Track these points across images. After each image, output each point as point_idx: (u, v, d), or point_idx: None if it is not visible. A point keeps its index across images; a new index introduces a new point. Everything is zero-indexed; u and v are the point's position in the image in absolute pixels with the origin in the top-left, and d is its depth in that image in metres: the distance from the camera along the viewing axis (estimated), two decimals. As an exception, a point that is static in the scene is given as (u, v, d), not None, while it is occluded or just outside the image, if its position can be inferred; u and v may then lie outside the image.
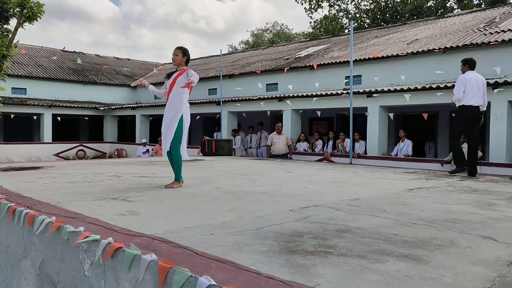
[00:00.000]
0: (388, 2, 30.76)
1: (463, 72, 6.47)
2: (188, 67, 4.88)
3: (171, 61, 4.94)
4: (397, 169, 7.77)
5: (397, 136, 11.26)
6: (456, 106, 6.44)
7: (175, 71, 4.90)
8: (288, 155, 11.28)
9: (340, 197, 4.25)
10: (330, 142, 11.84)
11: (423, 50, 12.25)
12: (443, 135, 12.46)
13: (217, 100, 14.65)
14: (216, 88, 17.95)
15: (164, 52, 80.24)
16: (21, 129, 20.37)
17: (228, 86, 17.09)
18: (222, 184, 5.13)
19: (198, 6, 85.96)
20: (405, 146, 10.28)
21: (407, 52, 12.57)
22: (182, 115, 4.71)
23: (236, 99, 14.44)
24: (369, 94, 10.64)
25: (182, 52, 4.85)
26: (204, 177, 5.99)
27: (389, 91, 10.27)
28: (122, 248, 2.18)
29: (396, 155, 10.46)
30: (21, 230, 3.19)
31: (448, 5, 29.34)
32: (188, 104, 4.89)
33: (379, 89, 10.68)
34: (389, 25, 21.14)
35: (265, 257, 2.13)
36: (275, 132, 11.47)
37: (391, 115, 10.87)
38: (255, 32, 45.57)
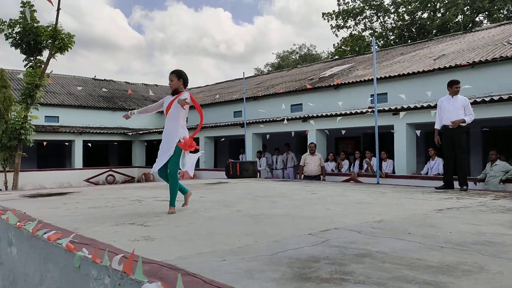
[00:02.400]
0: (415, 19, 30.48)
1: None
2: (187, 89, 4.93)
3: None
4: (426, 189, 7.47)
5: (427, 154, 10.91)
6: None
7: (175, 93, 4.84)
8: (321, 177, 11.05)
9: (363, 218, 4.08)
10: (357, 162, 11.58)
11: (450, 66, 11.95)
12: (476, 152, 12.00)
13: (241, 122, 14.69)
14: (240, 111, 18.03)
15: (188, 76, 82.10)
16: (54, 155, 20.97)
17: (253, 108, 17.15)
18: (243, 207, 5.04)
19: (217, 30, 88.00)
20: (436, 165, 9.92)
21: (434, 68, 12.30)
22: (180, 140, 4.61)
23: (260, 120, 14.43)
24: (395, 111, 10.40)
25: (177, 75, 4.83)
26: (225, 200, 5.92)
27: (415, 108, 10.01)
28: (129, 276, 2.11)
29: (427, 174, 10.11)
30: (38, 258, 3.19)
31: (477, 19, 28.81)
32: (186, 126, 4.83)
33: (405, 106, 10.43)
34: (415, 42, 20.86)
35: (276, 285, 2.02)
36: (308, 153, 11.26)
37: (419, 132, 10.56)
38: (281, 55, 45.99)
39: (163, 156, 4.66)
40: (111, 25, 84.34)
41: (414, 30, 30.57)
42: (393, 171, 10.70)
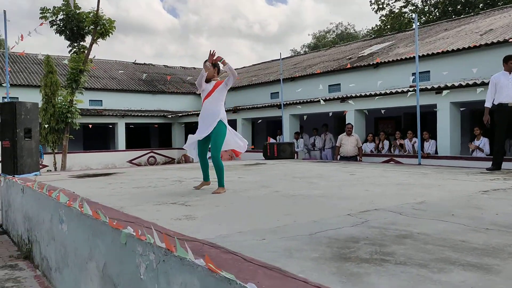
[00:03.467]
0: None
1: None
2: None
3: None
4: (471, 170, 7.21)
5: (472, 134, 10.50)
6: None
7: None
8: (358, 157, 10.92)
9: (404, 200, 4.00)
10: (398, 142, 11.31)
11: (498, 41, 11.33)
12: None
13: (278, 103, 14.64)
14: (277, 92, 17.95)
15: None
16: (98, 138, 21.79)
17: (290, 89, 17.02)
18: (281, 188, 5.07)
19: (250, 11, 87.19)
20: (481, 144, 9.53)
21: (480, 44, 11.70)
22: (223, 122, 4.82)
23: (297, 101, 14.32)
24: (438, 90, 10.02)
25: (213, 64, 4.95)
26: (264, 180, 5.96)
27: (460, 86, 9.60)
28: (173, 253, 2.19)
29: (471, 154, 9.74)
30: (87, 233, 3.36)
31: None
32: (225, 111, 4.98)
33: (449, 84, 10.03)
34: (460, 17, 19.85)
35: (316, 264, 2.04)
36: (344, 133, 11.13)
37: (463, 110, 10.14)
38: (317, 35, 45.13)
39: (202, 131, 4.82)
40: (147, 9, 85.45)
41: (459, 4, 29.06)
42: (436, 152, 10.38)
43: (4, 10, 8.71)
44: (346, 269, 1.96)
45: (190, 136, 5.08)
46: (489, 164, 7.95)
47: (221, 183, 4.86)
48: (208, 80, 5.03)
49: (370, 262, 2.06)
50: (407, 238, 2.55)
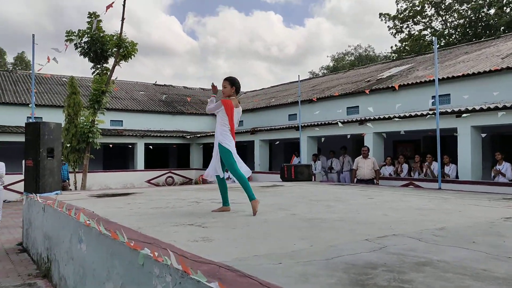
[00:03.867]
0: (480, 16, 28.83)
1: None
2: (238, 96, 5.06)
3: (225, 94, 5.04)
4: (493, 195, 7.05)
5: (493, 159, 10.29)
6: None
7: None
8: (375, 181, 10.80)
9: (424, 225, 3.93)
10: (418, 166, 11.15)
11: (520, 64, 11.19)
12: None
13: (296, 125, 14.67)
14: (295, 114, 18.00)
15: (240, 80, 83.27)
16: (118, 157, 22.11)
17: (308, 111, 17.06)
18: (298, 211, 5.05)
19: (268, 34, 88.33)
20: (503, 170, 9.32)
21: (502, 67, 11.58)
22: (221, 144, 4.90)
23: (315, 123, 14.32)
24: (458, 113, 9.90)
25: (230, 82, 4.95)
26: (280, 203, 5.94)
27: (481, 109, 9.47)
28: (190, 276, 2.20)
29: (493, 179, 9.53)
30: (105, 254, 3.40)
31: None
32: (227, 131, 5.05)
33: (469, 108, 9.91)
34: (481, 40, 19.73)
35: (332, 291, 2.02)
36: (361, 156, 11.06)
37: (484, 135, 9.98)
38: (336, 57, 45.36)
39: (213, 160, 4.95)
40: (167, 32, 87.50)
41: (479, 27, 28.92)
42: (457, 176, 10.19)
43: (32, 34, 9.07)
44: (363, 297, 1.93)
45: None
46: (511, 189, 7.77)
47: (251, 197, 4.74)
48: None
49: (388, 290, 2.03)
50: (427, 265, 2.50)
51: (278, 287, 2.03)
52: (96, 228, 3.67)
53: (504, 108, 9.03)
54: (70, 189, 13.98)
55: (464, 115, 9.81)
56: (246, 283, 2.10)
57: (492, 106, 9.48)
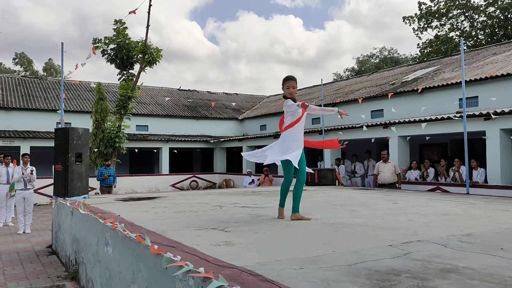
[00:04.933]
0: (509, 15, 28.04)
1: None
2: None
3: (290, 94, 4.74)
4: (524, 200, 6.83)
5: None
6: None
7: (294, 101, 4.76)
8: (396, 185, 10.63)
9: (450, 231, 3.85)
10: (444, 170, 10.91)
11: (552, 65, 10.82)
12: None
13: (320, 129, 14.59)
14: (319, 117, 17.90)
15: (261, 84, 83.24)
16: (144, 162, 22.49)
17: (332, 115, 16.92)
18: (321, 215, 5.02)
19: (288, 37, 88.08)
20: (535, 174, 9.02)
21: (532, 68, 11.22)
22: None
23: (339, 127, 14.21)
24: (487, 116, 9.65)
25: (296, 82, 4.83)
26: (304, 207, 5.90)
27: (510, 112, 9.21)
28: (211, 279, 2.23)
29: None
30: (130, 257, 3.47)
31: None
32: None
33: (498, 110, 9.64)
34: (510, 40, 19.18)
35: (354, 297, 2.01)
36: (381, 161, 10.95)
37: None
38: (360, 59, 44.94)
39: (283, 154, 4.64)
40: (188, 37, 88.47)
41: (509, 27, 28.12)
42: (485, 181, 9.91)
43: (61, 42, 9.37)
44: (385, 303, 1.91)
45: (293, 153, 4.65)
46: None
47: (297, 208, 4.74)
48: (294, 100, 4.75)
49: (411, 297, 2.00)
50: (452, 272, 2.45)
51: (299, 292, 2.03)
52: (122, 232, 3.75)
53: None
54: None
55: (493, 117, 9.55)
56: (268, 288, 2.11)
57: (522, 108, 9.21)
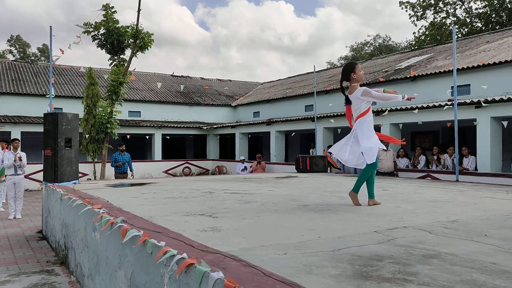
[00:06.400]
0: (504, 3, 27.95)
1: None
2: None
3: (358, 79, 4.78)
4: (512, 188, 6.90)
5: (514, 151, 10.06)
6: None
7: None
8: (394, 172, 10.66)
9: (435, 218, 3.89)
10: (435, 157, 10.98)
11: (544, 53, 10.85)
12: None
13: (312, 116, 14.58)
14: (312, 105, 17.88)
15: (253, 71, 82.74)
16: (136, 148, 22.37)
17: (324, 102, 16.93)
18: (310, 202, 5.04)
19: (279, 23, 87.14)
20: (524, 162, 9.10)
21: (525, 56, 11.24)
22: None
23: (331, 114, 14.21)
24: (477, 104, 9.68)
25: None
26: (293, 194, 5.94)
27: (501, 100, 9.24)
28: (194, 265, 2.23)
29: (514, 171, 9.32)
30: (117, 243, 3.47)
31: None
32: None
33: (489, 98, 9.67)
34: (503, 29, 19.16)
35: (335, 282, 2.02)
36: (381, 148, 10.87)
37: (505, 125, 9.73)
38: (354, 47, 44.76)
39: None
40: (179, 22, 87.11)
41: (504, 15, 28.06)
42: (476, 168, 9.99)
43: (50, 26, 9.21)
44: (365, 288, 1.93)
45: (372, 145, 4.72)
46: (532, 182, 7.57)
47: (371, 194, 4.81)
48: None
49: (392, 282, 2.02)
50: (434, 258, 2.48)
51: (280, 277, 2.04)
52: (108, 217, 3.74)
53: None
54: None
55: (483, 105, 9.58)
56: (250, 273, 2.11)
57: (513, 96, 9.24)
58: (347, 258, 2.46)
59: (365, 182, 4.79)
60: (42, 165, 8.25)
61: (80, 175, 13.50)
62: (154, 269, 2.71)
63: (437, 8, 31.11)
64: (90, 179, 16.31)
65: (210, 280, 2.04)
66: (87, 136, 15.43)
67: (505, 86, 11.29)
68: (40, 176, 14.42)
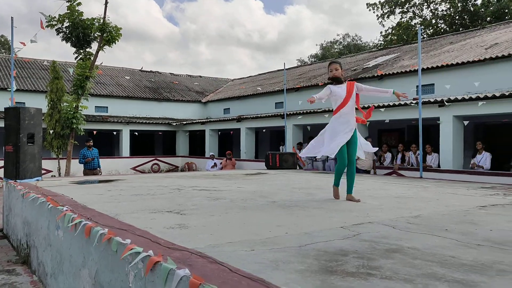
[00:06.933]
0: (467, 5, 28.95)
1: None
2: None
3: (333, 75, 4.92)
4: (472, 184, 7.18)
5: (475, 148, 10.44)
6: None
7: (339, 83, 4.90)
8: (372, 170, 10.83)
9: (400, 213, 3.99)
10: (399, 155, 11.28)
11: (503, 55, 11.32)
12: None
13: (282, 113, 14.67)
14: (282, 102, 17.99)
15: (222, 67, 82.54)
16: (103, 144, 21.86)
17: (294, 100, 17.06)
18: (278, 198, 5.07)
19: (248, 20, 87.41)
20: (483, 159, 9.48)
21: (485, 58, 11.69)
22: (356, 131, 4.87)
23: (301, 112, 14.34)
24: (441, 103, 10.00)
25: (340, 65, 4.96)
26: (262, 190, 5.96)
27: (463, 99, 9.58)
28: (160, 262, 2.20)
29: (473, 168, 9.68)
30: (81, 241, 3.38)
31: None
32: None
33: (452, 97, 10.01)
34: (466, 30, 19.86)
35: (301, 277, 2.04)
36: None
37: (466, 124, 10.10)
38: (324, 45, 45.28)
39: (342, 138, 4.74)
40: (146, 16, 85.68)
41: (466, 17, 29.07)
42: (439, 165, 10.33)
43: (11, 17, 8.85)
44: (330, 283, 1.96)
45: (329, 141, 4.80)
46: (490, 178, 7.89)
47: (350, 190, 4.91)
48: (338, 82, 4.90)
49: (356, 276, 2.06)
50: (397, 252, 2.54)
51: (247, 273, 2.04)
52: (71, 214, 3.64)
53: (485, 98, 9.15)
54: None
55: (446, 104, 9.91)
56: (216, 270, 2.11)
57: (474, 96, 9.60)
58: (313, 253, 2.49)
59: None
60: (2, 162, 7.94)
61: (43, 171, 13.12)
62: (119, 267, 2.66)
63: (404, 8, 31.89)
64: (55, 176, 15.82)
65: (175, 277, 2.02)
66: (51, 131, 14.95)
67: (467, 86, 11.71)
68: (0, 173, 13.89)
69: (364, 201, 4.88)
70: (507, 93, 8.82)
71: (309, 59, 44.91)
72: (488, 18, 27.20)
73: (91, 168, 11.38)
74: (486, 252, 2.58)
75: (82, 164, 11.42)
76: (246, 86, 23.98)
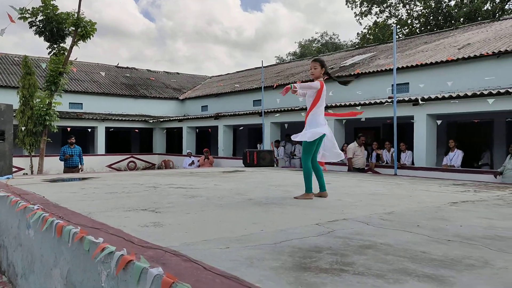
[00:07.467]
0: (441, 6, 29.60)
1: None
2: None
3: (311, 75, 4.92)
4: (445, 181, 7.35)
5: (447, 146, 10.70)
6: None
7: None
8: (365, 168, 10.86)
9: (373, 210, 4.05)
10: (374, 153, 11.46)
11: (475, 55, 11.63)
12: (500, 145, 11.69)
13: (260, 111, 14.69)
14: (260, 99, 18.02)
15: (199, 64, 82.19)
16: (77, 141, 21.40)
17: (272, 97, 17.10)
18: (255, 196, 5.08)
19: (225, 17, 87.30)
20: (455, 157, 9.72)
21: (458, 58, 11.98)
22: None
23: (278, 109, 14.40)
24: (415, 102, 10.21)
25: (320, 64, 4.82)
26: (239, 188, 5.96)
27: (436, 98, 9.80)
28: (133, 261, 2.18)
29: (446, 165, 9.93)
30: (52, 240, 3.30)
31: (506, 7, 27.78)
32: (317, 113, 4.99)
33: (426, 96, 10.23)
34: (440, 30, 20.31)
35: (275, 274, 2.05)
36: (356, 144, 10.79)
37: (439, 123, 10.34)
38: (302, 43, 45.54)
39: (323, 129, 4.83)
40: (121, 12, 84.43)
41: (440, 18, 29.73)
42: (412, 163, 10.54)
43: (-19, 10, 8.55)
44: (303, 279, 1.97)
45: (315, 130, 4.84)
46: (462, 176, 8.08)
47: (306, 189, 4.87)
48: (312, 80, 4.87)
49: (329, 272, 2.08)
50: (370, 248, 2.58)
51: (221, 271, 2.04)
52: (42, 213, 3.56)
53: (458, 97, 9.38)
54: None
55: (420, 103, 10.12)
56: (190, 268, 2.09)
57: (446, 95, 9.83)
58: (287, 250, 2.50)
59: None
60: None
61: (15, 169, 12.77)
62: (91, 267, 2.61)
63: (381, 7, 32.37)
64: (27, 173, 15.42)
65: (148, 276, 1.99)
66: (23, 128, 14.57)
67: (441, 85, 11.98)
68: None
69: (340, 198, 4.94)
70: (478, 93, 9.06)
71: (287, 57, 45.10)
72: (461, 19, 27.88)
73: (70, 166, 11.21)
74: (455, 247, 2.64)
75: (62, 162, 11.26)
76: (224, 84, 23.91)
